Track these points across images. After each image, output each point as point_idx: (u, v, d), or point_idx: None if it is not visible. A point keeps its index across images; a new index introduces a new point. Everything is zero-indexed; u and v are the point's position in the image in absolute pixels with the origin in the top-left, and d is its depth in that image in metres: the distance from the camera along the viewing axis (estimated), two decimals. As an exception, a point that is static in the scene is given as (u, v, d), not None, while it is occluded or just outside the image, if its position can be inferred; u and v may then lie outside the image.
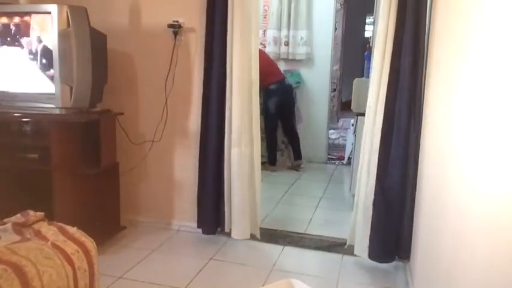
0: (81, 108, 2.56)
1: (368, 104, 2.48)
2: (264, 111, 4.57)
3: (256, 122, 2.78)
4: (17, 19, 2.51)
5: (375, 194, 2.46)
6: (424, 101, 2.37)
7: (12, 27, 2.53)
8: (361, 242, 2.55)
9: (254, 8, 2.68)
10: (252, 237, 2.89)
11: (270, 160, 4.82)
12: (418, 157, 2.39)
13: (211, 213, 2.84)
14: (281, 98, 4.62)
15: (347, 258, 2.70)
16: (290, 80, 4.84)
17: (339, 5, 5.31)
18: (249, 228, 2.81)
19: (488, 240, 1.13)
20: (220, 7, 2.62)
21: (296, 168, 4.89)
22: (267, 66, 4.31)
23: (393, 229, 2.48)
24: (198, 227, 2.90)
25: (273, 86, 4.53)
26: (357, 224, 2.58)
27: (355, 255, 2.64)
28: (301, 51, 4.89)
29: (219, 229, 2.89)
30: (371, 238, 2.50)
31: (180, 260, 2.65)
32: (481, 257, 1.18)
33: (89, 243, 1.67)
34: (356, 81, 3.58)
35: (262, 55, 4.22)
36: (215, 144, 2.76)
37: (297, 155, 4.92)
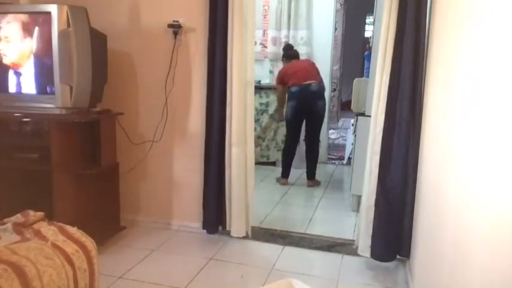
0: (81, 108, 2.56)
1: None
2: (285, 117, 4.27)
3: (250, 122, 2.79)
4: (17, 19, 2.51)
5: (376, 194, 2.48)
6: (424, 101, 2.37)
7: (12, 27, 2.52)
8: (364, 241, 2.56)
9: (251, 7, 2.69)
10: (252, 237, 2.90)
11: (282, 173, 4.32)
12: (418, 157, 2.40)
13: (215, 213, 2.86)
14: (301, 103, 4.08)
15: (347, 258, 2.70)
16: None
17: (339, 5, 5.31)
18: (244, 226, 2.86)
19: (487, 240, 1.13)
20: (221, 8, 2.63)
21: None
22: (295, 68, 4.12)
23: (394, 228, 2.49)
24: (204, 227, 2.91)
25: (293, 89, 4.09)
26: (361, 223, 2.60)
27: (355, 255, 2.65)
28: (301, 51, 4.86)
29: (220, 228, 2.91)
30: (373, 238, 2.52)
31: (180, 260, 2.65)
32: (480, 255, 1.18)
33: (89, 243, 1.67)
34: (356, 81, 3.58)
35: (301, 63, 4.24)
36: (218, 144, 2.79)
37: (309, 174, 4.30)
